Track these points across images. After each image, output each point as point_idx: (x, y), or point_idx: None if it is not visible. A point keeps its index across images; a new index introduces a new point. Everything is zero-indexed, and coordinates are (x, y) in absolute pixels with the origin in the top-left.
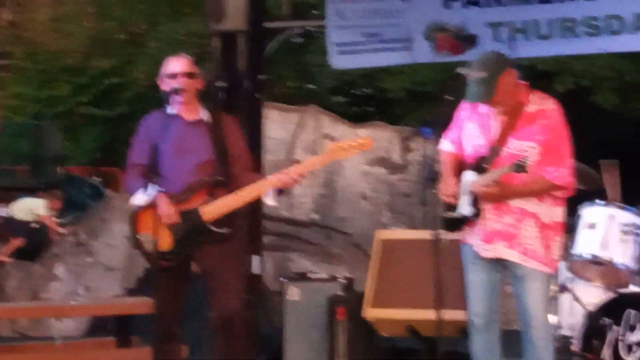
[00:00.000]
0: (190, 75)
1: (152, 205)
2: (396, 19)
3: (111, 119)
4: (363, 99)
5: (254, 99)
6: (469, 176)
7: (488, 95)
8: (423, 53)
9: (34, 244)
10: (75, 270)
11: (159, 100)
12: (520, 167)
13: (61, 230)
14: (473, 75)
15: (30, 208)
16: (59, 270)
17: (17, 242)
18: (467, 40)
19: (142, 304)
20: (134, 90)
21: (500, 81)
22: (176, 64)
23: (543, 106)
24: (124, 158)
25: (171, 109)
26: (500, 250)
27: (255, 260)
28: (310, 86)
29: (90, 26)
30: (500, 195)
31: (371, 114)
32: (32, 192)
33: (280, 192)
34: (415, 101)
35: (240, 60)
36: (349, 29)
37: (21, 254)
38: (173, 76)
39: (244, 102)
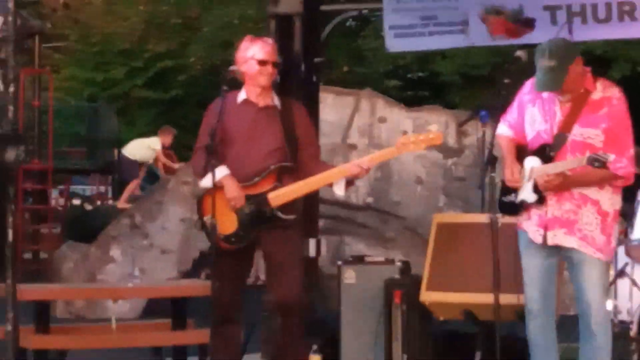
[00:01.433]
0: (277, 65)
1: (219, 188)
2: (452, 1)
3: (165, 102)
4: (417, 83)
5: (310, 82)
6: (533, 162)
7: (558, 84)
8: (479, 36)
9: (91, 226)
10: (131, 252)
11: (212, 83)
12: (599, 162)
13: (176, 165)
14: (543, 63)
15: (147, 145)
16: (115, 252)
17: (133, 186)
18: (524, 24)
19: (198, 287)
20: (188, 73)
21: (570, 70)
22: (266, 51)
23: (608, 94)
24: (179, 141)
25: (243, 94)
26: (559, 237)
27: (312, 243)
28: (365, 70)
29: (145, 9)
30: (562, 185)
31: (426, 97)
32: (87, 174)
33: (350, 182)
34: (469, 85)
35: (296, 43)
36: (404, 12)
37: (80, 236)
38: (263, 63)
39: (300, 85)
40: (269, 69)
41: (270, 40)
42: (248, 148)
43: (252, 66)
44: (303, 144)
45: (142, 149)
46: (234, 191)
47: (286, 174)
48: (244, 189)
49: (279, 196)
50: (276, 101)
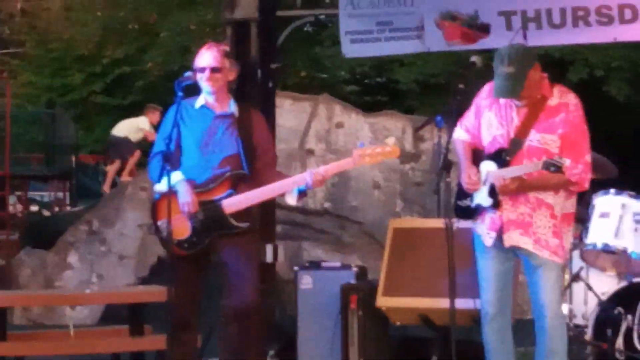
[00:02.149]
0: (217, 70)
1: (173, 193)
2: (408, 7)
3: (124, 107)
4: (375, 88)
5: (267, 88)
6: (489, 166)
7: (517, 91)
8: (435, 42)
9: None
10: (89, 258)
11: (170, 89)
12: (555, 167)
13: None
14: (503, 70)
15: (137, 126)
16: (73, 258)
17: (134, 159)
18: (479, 29)
19: (155, 292)
20: (146, 79)
21: (529, 76)
22: (205, 58)
23: (565, 100)
24: (136, 147)
25: (201, 100)
26: (514, 238)
27: (269, 249)
28: (323, 75)
29: (103, 15)
30: (518, 189)
31: (383, 103)
32: (45, 180)
33: (302, 193)
34: (427, 92)
35: (252, 49)
36: (360, 18)
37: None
38: (201, 70)
39: (257, 91)
40: (208, 74)
41: (213, 46)
42: (204, 155)
43: (197, 74)
44: (260, 152)
45: (131, 131)
46: (187, 196)
47: (241, 181)
48: (198, 195)
49: (233, 203)
50: (234, 108)
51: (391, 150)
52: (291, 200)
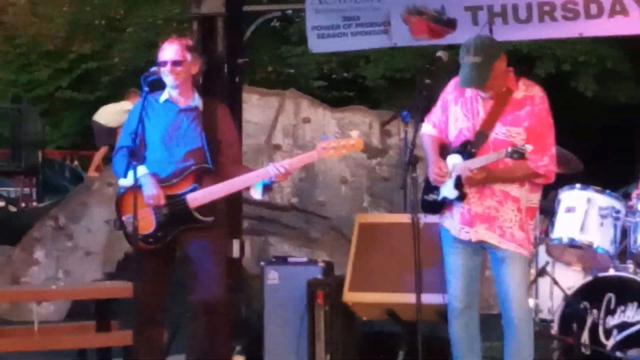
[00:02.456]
0: (178, 63)
1: (138, 188)
2: (375, 2)
3: (90, 103)
4: (342, 84)
5: (234, 83)
6: (455, 159)
7: (483, 80)
8: (401, 37)
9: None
10: (55, 254)
11: (137, 84)
12: (518, 154)
13: None
14: (469, 59)
15: (120, 109)
16: (39, 254)
17: (100, 155)
18: (445, 24)
19: (122, 288)
20: (113, 74)
21: (495, 67)
22: (167, 52)
23: (531, 93)
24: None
25: (165, 95)
26: (480, 232)
27: (235, 244)
28: (290, 70)
29: (69, 11)
30: (485, 180)
31: (350, 98)
32: (11, 176)
33: (268, 187)
34: (394, 87)
35: (219, 44)
36: (327, 13)
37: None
38: (163, 64)
39: (224, 86)
40: (169, 67)
41: (175, 40)
42: (168, 149)
43: (160, 68)
44: (224, 146)
45: (115, 114)
46: (153, 189)
47: (206, 175)
48: (163, 189)
49: (197, 198)
50: (198, 102)
51: (355, 144)
52: (256, 194)
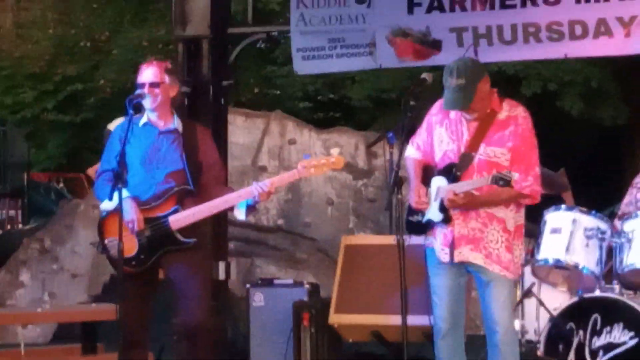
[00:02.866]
0: (156, 85)
1: (120, 211)
2: (360, 24)
3: (76, 125)
4: (328, 105)
5: (219, 104)
6: (439, 182)
7: (467, 102)
8: (386, 58)
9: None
10: (41, 277)
11: (123, 106)
12: (504, 181)
13: None
14: (452, 82)
15: None
16: (24, 277)
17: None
18: (430, 46)
19: (107, 311)
20: (99, 96)
21: (478, 88)
22: (145, 74)
23: (514, 113)
24: (89, 164)
25: (145, 118)
26: (465, 253)
27: (221, 266)
28: (275, 92)
29: (54, 33)
30: (468, 204)
31: (336, 119)
32: None
33: (251, 208)
34: (379, 108)
35: (204, 66)
36: (312, 35)
37: None
38: (141, 86)
39: (209, 108)
40: (147, 89)
41: (153, 63)
42: (149, 171)
43: (137, 91)
44: (206, 167)
45: None
46: (132, 213)
47: (187, 197)
48: (144, 212)
49: (179, 219)
50: (177, 124)
51: (335, 161)
52: (240, 215)
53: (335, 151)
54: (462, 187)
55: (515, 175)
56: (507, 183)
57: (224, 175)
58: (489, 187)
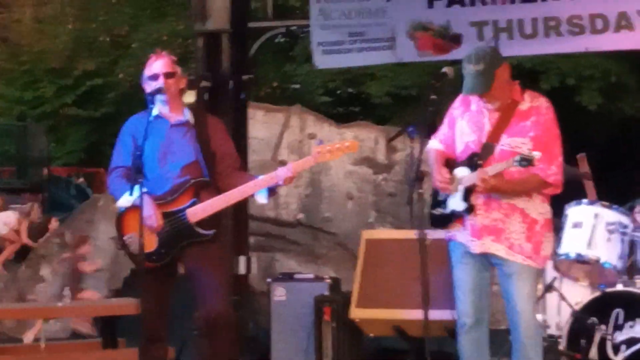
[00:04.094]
0: (170, 75)
1: (137, 207)
2: (380, 18)
3: (96, 119)
4: (348, 99)
5: (239, 99)
6: (462, 172)
7: (486, 87)
8: (406, 53)
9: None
10: (61, 271)
11: (142, 100)
12: (527, 161)
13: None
14: (471, 68)
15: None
16: (45, 271)
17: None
18: (451, 40)
19: (127, 305)
20: (118, 90)
21: (497, 74)
22: (156, 65)
23: (536, 103)
24: (109, 159)
25: (155, 111)
26: (487, 244)
27: (242, 261)
28: (295, 86)
29: (74, 28)
30: (498, 186)
31: (356, 114)
32: (17, 193)
33: (272, 191)
34: (399, 103)
35: (224, 60)
36: (332, 29)
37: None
38: (154, 77)
39: (229, 102)
40: (162, 80)
41: (162, 54)
42: (163, 165)
43: (149, 85)
44: (220, 157)
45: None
46: (149, 209)
47: (204, 188)
48: (161, 207)
49: (197, 212)
50: (188, 115)
51: (349, 145)
52: (261, 199)
53: (347, 132)
54: (487, 171)
55: (537, 154)
56: (530, 162)
57: (239, 164)
58: (518, 173)
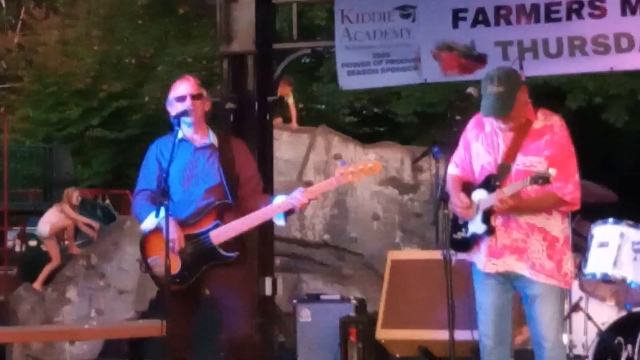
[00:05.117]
0: (196, 96)
1: (161, 229)
2: (405, 39)
3: (121, 141)
4: (373, 119)
5: (264, 120)
6: (480, 194)
7: (507, 110)
8: (431, 73)
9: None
10: (88, 293)
11: (168, 122)
12: (542, 179)
13: None
14: (492, 89)
15: None
16: (72, 293)
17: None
18: (476, 60)
19: (154, 327)
20: (144, 112)
21: (517, 97)
22: (182, 87)
23: (549, 122)
24: (134, 181)
25: (180, 133)
26: (510, 263)
27: (268, 282)
28: (321, 107)
29: (100, 49)
30: (516, 206)
31: (381, 134)
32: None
33: (290, 212)
34: (425, 122)
35: (249, 82)
36: (357, 50)
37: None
38: (181, 99)
39: (254, 123)
40: (189, 101)
41: (188, 77)
42: (188, 188)
43: (175, 107)
44: (243, 180)
45: None
46: (173, 232)
47: (227, 211)
48: (185, 229)
49: (220, 234)
50: (213, 138)
51: (373, 166)
52: (279, 222)
53: (373, 152)
54: (504, 192)
55: (553, 172)
56: (547, 180)
57: (262, 187)
58: (535, 192)
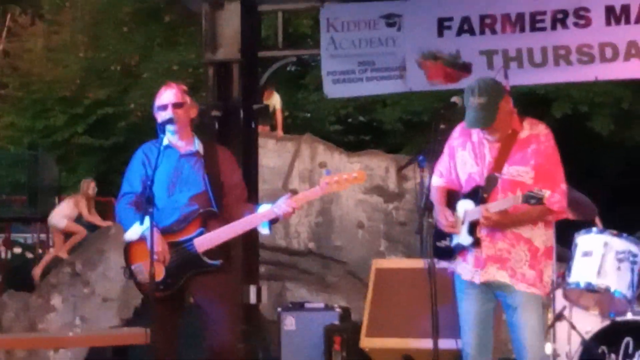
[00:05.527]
0: (178, 105)
1: (148, 237)
2: (390, 47)
3: (106, 148)
4: (359, 127)
5: (249, 128)
6: (466, 205)
7: (490, 120)
8: (417, 82)
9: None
10: (72, 300)
11: (153, 129)
12: (535, 199)
13: None
14: (474, 101)
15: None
16: (56, 301)
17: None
18: (461, 69)
19: (138, 335)
20: (129, 120)
21: (500, 107)
22: (165, 95)
23: (535, 131)
24: (119, 188)
25: (166, 140)
26: (491, 272)
27: (252, 290)
28: (306, 115)
29: (85, 57)
30: (501, 221)
31: (367, 142)
32: (28, 222)
33: (274, 220)
34: (411, 131)
35: (235, 89)
36: (342, 58)
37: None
38: (163, 107)
39: (239, 131)
40: (170, 110)
41: (172, 85)
42: (172, 195)
43: (159, 115)
44: (228, 188)
45: None
46: (157, 245)
47: (212, 219)
48: (169, 237)
49: (204, 242)
50: (198, 146)
51: (357, 176)
52: (263, 230)
53: (358, 161)
54: (493, 207)
55: (547, 193)
56: (539, 201)
57: (246, 195)
58: (521, 206)
